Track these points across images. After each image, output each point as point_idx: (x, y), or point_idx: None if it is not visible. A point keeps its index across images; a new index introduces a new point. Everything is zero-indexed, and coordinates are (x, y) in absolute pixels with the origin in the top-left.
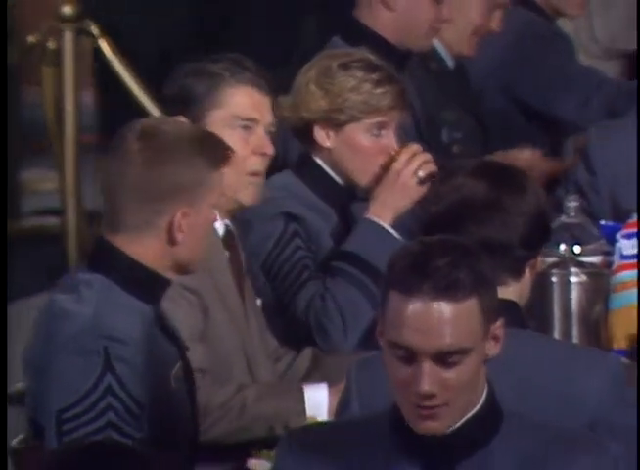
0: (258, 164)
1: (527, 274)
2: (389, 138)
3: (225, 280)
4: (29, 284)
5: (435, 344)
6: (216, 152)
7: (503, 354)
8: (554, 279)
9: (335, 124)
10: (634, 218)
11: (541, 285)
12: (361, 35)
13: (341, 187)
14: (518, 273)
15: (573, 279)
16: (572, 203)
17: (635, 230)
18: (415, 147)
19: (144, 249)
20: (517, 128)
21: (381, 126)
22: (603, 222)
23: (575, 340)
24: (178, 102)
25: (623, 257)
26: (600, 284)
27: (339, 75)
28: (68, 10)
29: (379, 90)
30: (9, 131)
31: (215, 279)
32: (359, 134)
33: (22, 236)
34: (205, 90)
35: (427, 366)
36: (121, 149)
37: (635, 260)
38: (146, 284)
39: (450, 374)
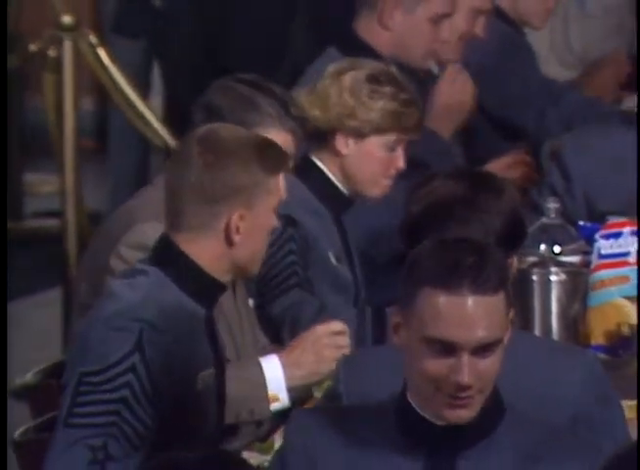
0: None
1: None
2: (399, 154)
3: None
4: (30, 284)
5: (476, 337)
6: (273, 157)
7: None
8: (534, 278)
9: (358, 134)
10: (612, 220)
11: (522, 283)
12: (358, 49)
13: (340, 192)
14: None
15: (553, 278)
16: (552, 204)
17: (613, 231)
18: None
19: (202, 250)
20: (485, 136)
21: (399, 143)
22: (582, 223)
23: (555, 336)
24: (223, 119)
25: (601, 256)
26: (579, 282)
27: (371, 89)
28: (67, 19)
29: (406, 110)
30: (11, 136)
31: None
32: (378, 147)
33: (24, 237)
34: (255, 124)
35: (466, 359)
36: (183, 152)
37: (612, 260)
38: (200, 285)
39: (484, 364)
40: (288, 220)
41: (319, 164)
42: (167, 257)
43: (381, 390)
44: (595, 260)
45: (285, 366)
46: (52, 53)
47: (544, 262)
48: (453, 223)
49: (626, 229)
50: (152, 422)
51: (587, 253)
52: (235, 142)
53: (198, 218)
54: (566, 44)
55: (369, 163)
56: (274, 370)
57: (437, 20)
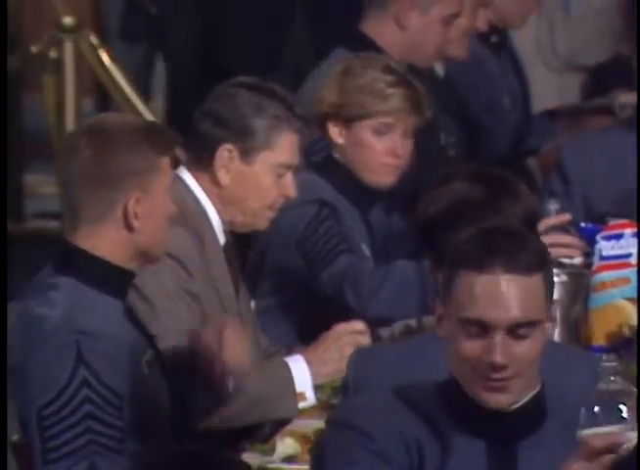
0: (280, 202)
1: None
2: (394, 140)
3: (227, 289)
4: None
5: (509, 316)
6: (162, 138)
7: None
8: None
9: (345, 121)
10: (612, 221)
11: None
12: (366, 48)
13: (363, 187)
14: None
15: (555, 279)
16: (553, 206)
17: (614, 232)
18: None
19: (103, 240)
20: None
21: (387, 127)
22: (583, 225)
23: (557, 338)
24: (231, 128)
25: (603, 258)
26: (580, 284)
27: (354, 74)
28: (68, 20)
29: (388, 91)
30: (11, 137)
31: (218, 288)
32: (365, 132)
33: (24, 238)
34: (264, 129)
35: (499, 338)
36: (71, 145)
37: (614, 261)
38: (110, 278)
39: (520, 347)
40: (322, 203)
41: (340, 160)
42: (71, 260)
43: (388, 384)
44: (597, 262)
45: (310, 364)
46: (52, 54)
47: None
48: (467, 224)
49: (627, 231)
50: (122, 423)
51: (588, 254)
52: (122, 128)
53: (94, 209)
54: (551, 47)
55: (361, 149)
56: (300, 368)
57: (448, 20)
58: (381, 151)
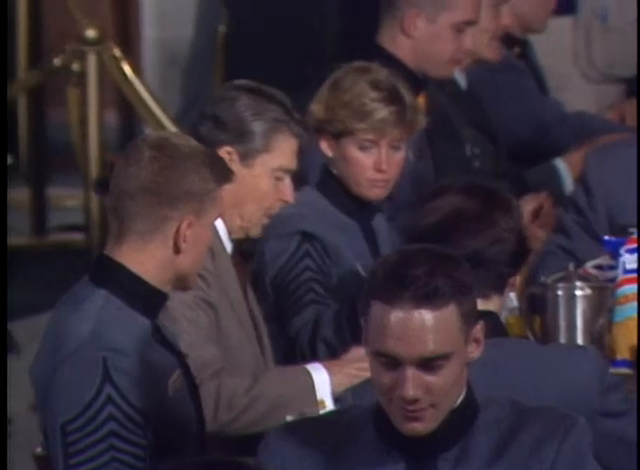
0: (277, 207)
1: (507, 290)
2: (380, 155)
3: (237, 295)
4: (53, 298)
5: (418, 351)
6: (221, 169)
7: (491, 362)
8: (559, 293)
9: (332, 135)
10: (636, 234)
11: (547, 298)
12: (381, 59)
13: (359, 200)
14: (501, 288)
15: (578, 293)
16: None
17: (638, 245)
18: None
19: (148, 257)
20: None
21: (371, 142)
22: (607, 238)
23: None
24: (231, 131)
25: (626, 271)
26: (604, 297)
27: (340, 89)
28: (91, 33)
29: (369, 107)
30: (35, 150)
31: (229, 295)
32: (351, 147)
33: (47, 251)
34: (263, 132)
35: (410, 372)
36: (135, 156)
37: (637, 274)
38: (145, 298)
39: (433, 378)
40: (303, 236)
41: (336, 174)
42: (109, 275)
43: None
44: (620, 275)
45: (330, 373)
46: (76, 67)
47: (569, 277)
48: (463, 236)
49: None
50: (146, 441)
51: (612, 267)
52: (188, 149)
53: (146, 223)
54: (588, 58)
55: (348, 164)
56: (320, 375)
57: (461, 28)
58: (366, 165)
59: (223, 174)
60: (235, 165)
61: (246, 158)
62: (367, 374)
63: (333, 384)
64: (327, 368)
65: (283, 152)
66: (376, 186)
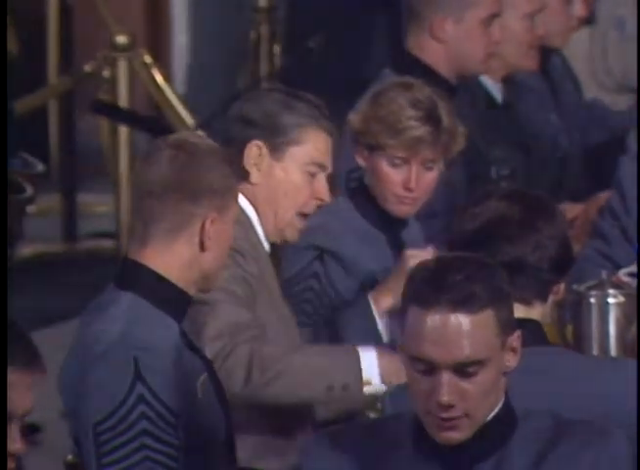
0: (312, 208)
1: (551, 298)
2: (409, 173)
3: (275, 285)
4: (83, 305)
5: (454, 356)
6: (238, 165)
7: (531, 370)
8: (592, 300)
9: (366, 147)
10: None
11: (580, 306)
12: (411, 67)
13: (387, 213)
14: (544, 296)
15: (611, 300)
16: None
17: None
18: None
19: (174, 257)
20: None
21: (402, 160)
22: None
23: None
24: (260, 126)
25: None
26: (637, 305)
27: (379, 103)
28: (122, 39)
29: (403, 125)
30: (66, 156)
31: (267, 284)
32: (382, 162)
33: (77, 258)
34: (294, 125)
35: (446, 377)
36: (155, 156)
37: None
38: (171, 300)
39: (468, 385)
40: (316, 250)
41: (368, 185)
42: (135, 278)
43: None
44: None
45: (380, 357)
46: (106, 73)
47: (602, 284)
48: (504, 243)
49: None
50: (178, 441)
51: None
52: (207, 147)
53: (171, 221)
54: (605, 68)
55: (378, 178)
56: (369, 356)
57: (488, 22)
58: (395, 182)
59: (240, 171)
60: (265, 159)
61: (276, 151)
62: None
63: (381, 367)
64: (378, 352)
65: (313, 145)
66: (403, 203)
